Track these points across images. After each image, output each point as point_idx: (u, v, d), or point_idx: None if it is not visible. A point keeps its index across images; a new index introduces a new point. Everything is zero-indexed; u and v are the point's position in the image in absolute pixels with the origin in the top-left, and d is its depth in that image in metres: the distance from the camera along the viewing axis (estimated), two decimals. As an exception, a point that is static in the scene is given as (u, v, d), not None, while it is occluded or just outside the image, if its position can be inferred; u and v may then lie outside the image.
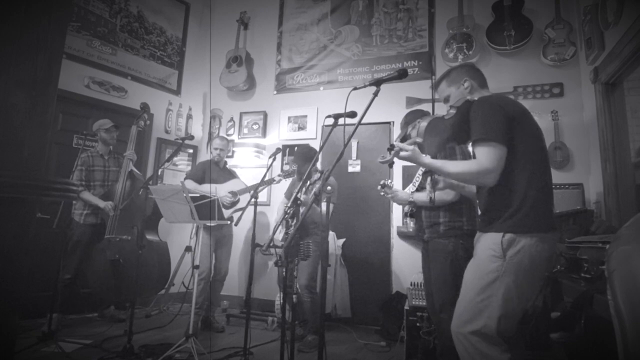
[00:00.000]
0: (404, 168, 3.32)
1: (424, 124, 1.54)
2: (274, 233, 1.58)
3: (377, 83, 1.40)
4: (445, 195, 1.86)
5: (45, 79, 1.45)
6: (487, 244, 1.24)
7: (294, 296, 1.69)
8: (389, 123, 3.47)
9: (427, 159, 1.36)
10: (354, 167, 3.54)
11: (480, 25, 3.27)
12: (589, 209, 2.22)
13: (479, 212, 1.42)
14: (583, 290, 1.07)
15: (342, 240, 3.33)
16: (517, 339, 1.21)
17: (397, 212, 3.31)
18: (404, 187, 3.14)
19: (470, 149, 1.97)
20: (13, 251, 1.22)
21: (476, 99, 1.38)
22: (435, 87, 1.58)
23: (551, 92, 3.05)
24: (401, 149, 1.36)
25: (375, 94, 1.40)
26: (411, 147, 1.36)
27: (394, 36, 3.64)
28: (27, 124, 1.38)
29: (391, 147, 1.42)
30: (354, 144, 3.58)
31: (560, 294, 1.28)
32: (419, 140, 1.56)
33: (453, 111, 1.43)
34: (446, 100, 1.54)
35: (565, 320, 1.12)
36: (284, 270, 1.64)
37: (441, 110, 3.17)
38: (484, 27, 3.22)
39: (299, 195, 1.62)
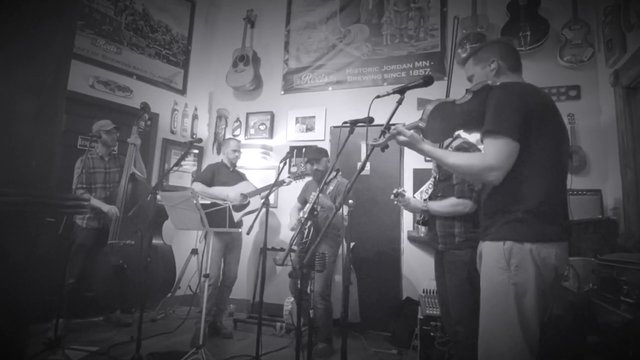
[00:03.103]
0: (415, 171, 3.26)
1: (430, 107, 1.37)
2: (290, 245, 1.52)
3: (402, 91, 1.34)
4: (462, 207, 1.79)
5: (54, 85, 1.37)
6: (492, 255, 1.15)
7: (311, 311, 1.63)
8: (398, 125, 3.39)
9: (427, 147, 1.24)
10: (364, 169, 3.47)
11: (495, 25, 3.18)
12: (612, 218, 2.15)
13: (481, 215, 1.31)
14: (629, 318, 1.00)
15: (351, 244, 3.27)
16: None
17: (407, 216, 3.25)
18: (414, 191, 3.09)
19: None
20: (23, 262, 1.16)
21: (498, 84, 1.24)
22: (462, 63, 1.46)
23: (567, 95, 2.97)
24: (399, 133, 1.23)
25: (400, 102, 1.34)
26: (410, 132, 1.23)
27: (404, 35, 3.56)
28: (35, 133, 1.31)
29: (387, 129, 1.29)
30: (363, 145, 3.52)
31: (594, 315, 1.22)
32: (421, 124, 1.37)
33: (469, 96, 1.28)
34: (470, 79, 1.41)
35: (608, 349, 1.05)
36: (299, 281, 1.59)
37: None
38: (499, 27, 3.14)
39: (314, 202, 1.56)
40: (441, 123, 1.30)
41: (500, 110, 1.12)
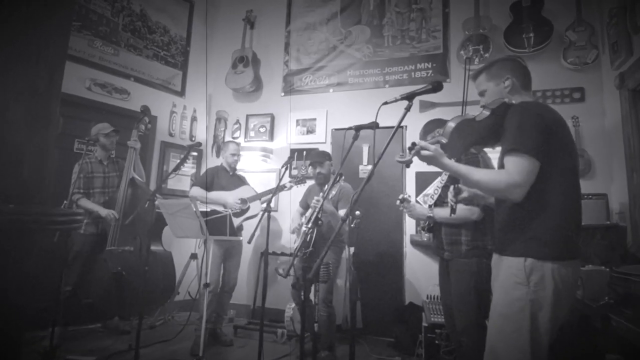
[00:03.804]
0: (418, 174, 3.22)
1: (451, 124, 1.38)
2: (294, 257, 1.47)
3: (410, 97, 1.29)
4: (469, 214, 1.75)
5: (47, 90, 1.31)
6: (510, 270, 1.17)
7: (315, 324, 1.59)
8: (401, 127, 3.35)
9: (450, 162, 1.26)
10: (365, 172, 3.42)
11: (498, 27, 3.15)
12: (620, 224, 2.11)
13: (496, 228, 1.33)
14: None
15: (352, 248, 3.22)
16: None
17: (410, 220, 3.21)
18: (417, 194, 3.04)
19: (492, 157, 1.88)
20: (20, 271, 1.12)
21: (514, 102, 1.28)
22: (473, 77, 1.45)
23: (571, 97, 2.94)
24: (423, 148, 1.25)
25: (408, 109, 1.29)
26: (434, 147, 1.25)
27: (406, 37, 3.51)
28: (27, 141, 1.25)
29: (412, 146, 1.31)
30: (364, 148, 3.47)
31: (610, 330, 1.18)
32: (443, 140, 1.39)
33: (487, 112, 1.30)
34: (481, 94, 1.42)
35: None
36: (302, 293, 1.54)
37: (453, 113, 3.08)
38: (502, 28, 3.10)
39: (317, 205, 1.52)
40: (460, 139, 1.31)
41: (523, 129, 1.15)
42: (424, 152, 1.24)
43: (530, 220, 1.16)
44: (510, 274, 1.15)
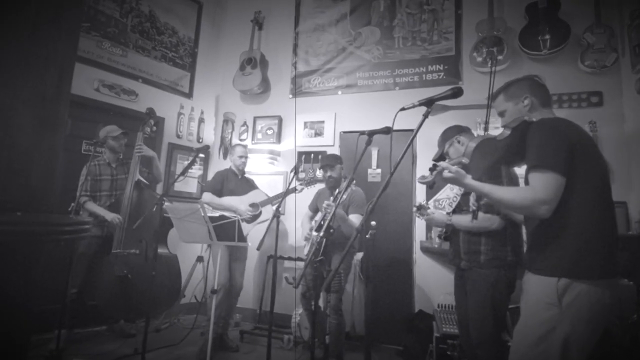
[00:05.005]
0: (428, 179, 3.15)
1: (472, 144, 1.43)
2: (305, 267, 1.43)
3: (429, 103, 1.25)
4: (488, 223, 1.69)
5: (56, 97, 1.28)
6: (541, 289, 1.12)
7: (327, 337, 1.54)
8: (411, 131, 3.28)
9: (473, 181, 1.25)
10: (374, 176, 3.37)
11: (512, 29, 3.07)
12: (644, 235, 2.03)
13: (526, 245, 1.30)
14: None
15: (360, 254, 3.17)
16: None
17: (419, 226, 3.15)
18: (427, 199, 2.98)
19: (517, 170, 1.82)
20: (27, 277, 1.09)
21: (534, 119, 1.25)
22: (492, 99, 1.44)
23: (589, 101, 2.85)
24: (444, 169, 1.25)
25: (426, 115, 1.24)
26: (455, 167, 1.25)
27: (417, 38, 3.45)
28: (35, 148, 1.22)
29: (434, 167, 1.31)
30: (374, 151, 3.42)
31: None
32: (465, 161, 1.44)
33: (508, 131, 1.29)
34: (501, 114, 1.41)
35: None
36: (313, 303, 1.49)
37: (465, 117, 3.01)
38: (517, 30, 3.02)
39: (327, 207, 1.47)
40: (482, 159, 1.32)
41: (545, 145, 1.14)
42: (446, 174, 1.24)
43: (561, 237, 1.11)
44: (540, 293, 1.11)
